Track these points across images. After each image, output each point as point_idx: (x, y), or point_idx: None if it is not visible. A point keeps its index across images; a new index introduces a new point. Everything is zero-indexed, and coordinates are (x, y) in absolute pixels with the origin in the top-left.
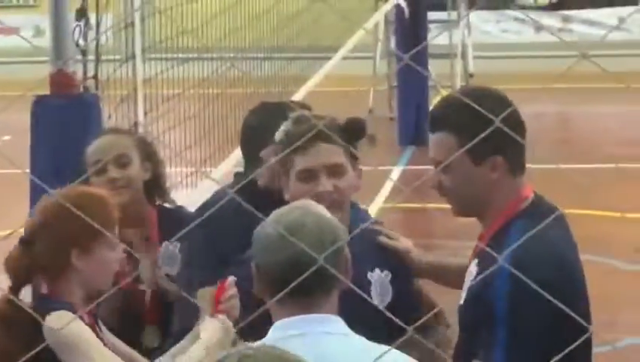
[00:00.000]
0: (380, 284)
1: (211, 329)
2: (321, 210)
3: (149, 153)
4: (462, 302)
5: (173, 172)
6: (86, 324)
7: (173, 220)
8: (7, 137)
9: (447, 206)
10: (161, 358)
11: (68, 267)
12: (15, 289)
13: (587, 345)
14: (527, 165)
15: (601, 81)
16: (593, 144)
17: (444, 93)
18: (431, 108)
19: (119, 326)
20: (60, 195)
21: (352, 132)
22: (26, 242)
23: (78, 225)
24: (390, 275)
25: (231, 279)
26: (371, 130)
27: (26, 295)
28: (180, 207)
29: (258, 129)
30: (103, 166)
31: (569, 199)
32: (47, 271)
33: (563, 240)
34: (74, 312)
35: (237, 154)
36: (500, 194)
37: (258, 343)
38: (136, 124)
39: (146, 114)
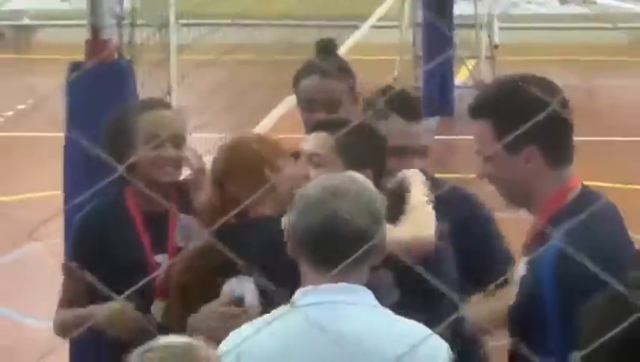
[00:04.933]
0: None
1: None
2: (367, 182)
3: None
4: (511, 303)
5: (204, 138)
6: None
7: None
8: (30, 100)
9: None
10: None
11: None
12: (209, 224)
13: None
14: None
15: (626, 54)
16: (616, 116)
17: (469, 63)
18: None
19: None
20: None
21: None
22: (219, 182)
23: (265, 153)
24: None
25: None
26: None
27: None
28: None
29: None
30: (160, 142)
31: (592, 172)
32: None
33: (612, 239)
34: None
35: (268, 120)
36: (539, 187)
37: (166, 339)
38: (169, 90)
39: (178, 80)
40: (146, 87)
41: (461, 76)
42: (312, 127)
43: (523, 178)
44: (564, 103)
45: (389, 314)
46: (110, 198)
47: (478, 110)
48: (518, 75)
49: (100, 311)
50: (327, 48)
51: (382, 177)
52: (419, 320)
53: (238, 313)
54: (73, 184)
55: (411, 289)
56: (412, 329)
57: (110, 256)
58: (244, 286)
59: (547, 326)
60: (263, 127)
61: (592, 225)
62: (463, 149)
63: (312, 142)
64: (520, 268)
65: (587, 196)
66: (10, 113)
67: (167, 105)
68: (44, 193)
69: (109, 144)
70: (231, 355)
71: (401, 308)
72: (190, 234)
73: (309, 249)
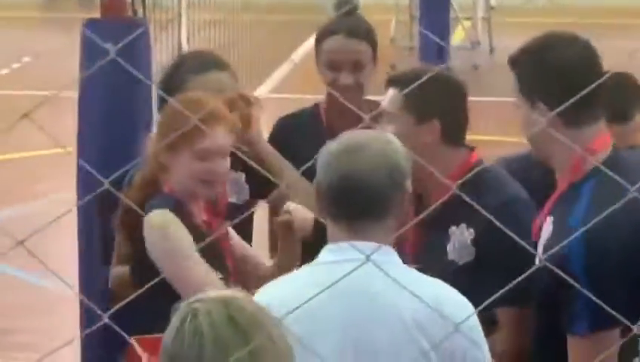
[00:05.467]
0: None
1: None
2: (395, 139)
3: None
4: (537, 261)
5: None
6: (202, 222)
7: None
8: (26, 59)
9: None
10: None
11: (162, 165)
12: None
13: None
14: None
15: (626, 16)
16: None
17: (466, 24)
18: None
19: None
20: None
21: None
22: (154, 139)
23: (167, 124)
24: (474, 235)
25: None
26: (392, 60)
27: None
28: None
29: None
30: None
31: None
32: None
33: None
34: (181, 208)
35: (273, 79)
36: (558, 147)
37: (212, 292)
38: (180, 48)
39: (188, 39)
40: (157, 46)
41: (457, 37)
42: (385, 83)
43: (539, 134)
44: (590, 65)
45: (415, 273)
46: None
47: (511, 60)
48: (559, 33)
49: None
50: (349, 8)
51: (458, 129)
52: (492, 281)
53: None
54: (87, 139)
55: (489, 250)
56: (442, 289)
57: None
58: None
59: (576, 289)
60: (268, 85)
61: (620, 194)
62: None
63: (385, 101)
64: (546, 226)
65: (615, 158)
66: None
67: (221, 66)
68: None
69: (160, 101)
70: None
71: (476, 267)
72: (240, 188)
73: (331, 205)
